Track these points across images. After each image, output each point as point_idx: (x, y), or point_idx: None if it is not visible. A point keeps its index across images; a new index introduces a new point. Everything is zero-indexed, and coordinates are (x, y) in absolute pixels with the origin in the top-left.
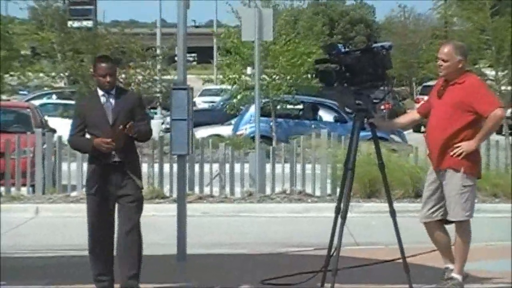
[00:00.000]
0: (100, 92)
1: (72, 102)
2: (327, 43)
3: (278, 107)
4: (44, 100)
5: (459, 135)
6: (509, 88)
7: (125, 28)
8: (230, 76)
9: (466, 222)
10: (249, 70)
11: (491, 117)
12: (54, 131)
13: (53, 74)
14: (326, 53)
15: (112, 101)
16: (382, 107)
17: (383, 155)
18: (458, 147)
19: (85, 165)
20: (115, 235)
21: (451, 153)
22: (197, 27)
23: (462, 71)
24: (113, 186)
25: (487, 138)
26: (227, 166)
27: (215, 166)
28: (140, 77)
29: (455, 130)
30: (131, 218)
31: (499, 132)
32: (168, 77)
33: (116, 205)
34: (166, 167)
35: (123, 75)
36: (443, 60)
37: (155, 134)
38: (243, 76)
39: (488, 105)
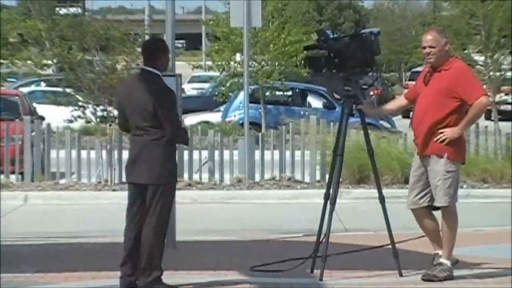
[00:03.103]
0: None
1: (60, 89)
2: (317, 29)
3: (267, 93)
4: (33, 87)
5: (444, 121)
6: (497, 73)
7: (107, 14)
8: (219, 63)
9: (451, 207)
10: (238, 56)
11: (475, 104)
12: (42, 118)
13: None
14: (318, 38)
15: None
16: (371, 93)
17: (372, 141)
18: (442, 133)
19: (73, 152)
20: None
21: (435, 139)
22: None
23: (448, 55)
24: None
25: (471, 125)
26: (216, 152)
27: (204, 153)
28: (124, 63)
29: (440, 116)
30: None
31: (488, 118)
32: None
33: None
34: None
35: (108, 62)
36: (430, 47)
37: None
38: (231, 62)
39: (474, 92)
